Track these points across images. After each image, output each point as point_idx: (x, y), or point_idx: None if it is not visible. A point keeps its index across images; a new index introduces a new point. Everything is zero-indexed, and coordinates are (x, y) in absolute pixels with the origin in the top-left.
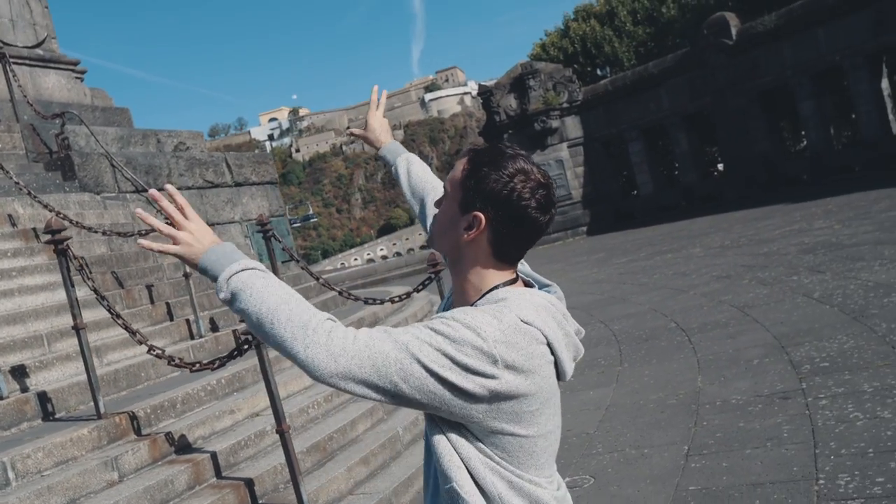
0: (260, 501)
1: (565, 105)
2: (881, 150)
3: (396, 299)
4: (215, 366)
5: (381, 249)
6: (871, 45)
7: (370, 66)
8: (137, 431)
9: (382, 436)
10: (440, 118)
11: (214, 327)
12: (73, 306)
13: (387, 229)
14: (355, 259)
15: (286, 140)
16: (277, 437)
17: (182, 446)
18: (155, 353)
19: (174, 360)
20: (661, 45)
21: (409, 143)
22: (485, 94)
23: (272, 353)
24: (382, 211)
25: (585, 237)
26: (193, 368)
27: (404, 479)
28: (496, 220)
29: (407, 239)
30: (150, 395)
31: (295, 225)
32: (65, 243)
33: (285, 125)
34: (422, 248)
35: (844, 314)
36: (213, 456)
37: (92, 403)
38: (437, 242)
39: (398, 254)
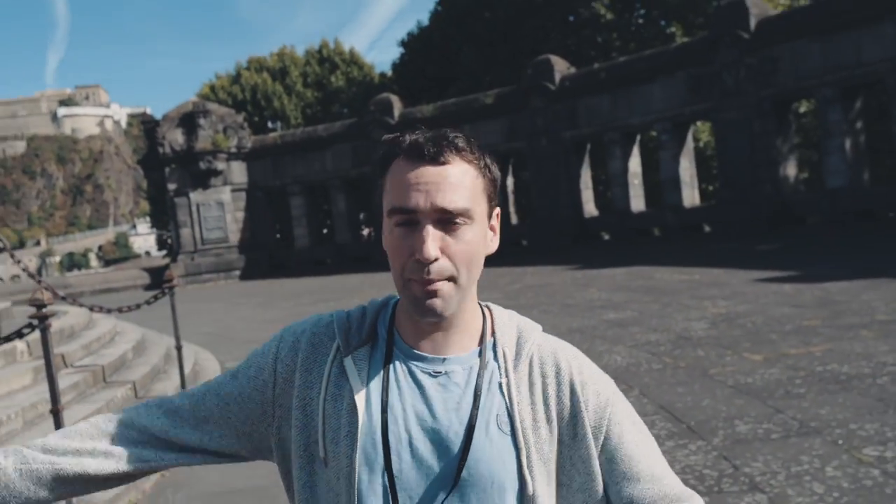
0: None
1: (234, 150)
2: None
3: (125, 309)
4: None
5: None
6: (503, 147)
7: None
8: None
9: None
10: (74, 137)
11: None
12: None
13: None
14: None
15: None
16: None
17: None
18: None
19: None
20: (327, 110)
21: (33, 159)
22: (149, 123)
23: (56, 330)
24: None
25: (238, 281)
26: None
27: None
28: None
29: (19, 261)
30: None
31: None
32: None
33: None
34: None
35: None
36: None
37: None
38: (465, 285)
39: None
